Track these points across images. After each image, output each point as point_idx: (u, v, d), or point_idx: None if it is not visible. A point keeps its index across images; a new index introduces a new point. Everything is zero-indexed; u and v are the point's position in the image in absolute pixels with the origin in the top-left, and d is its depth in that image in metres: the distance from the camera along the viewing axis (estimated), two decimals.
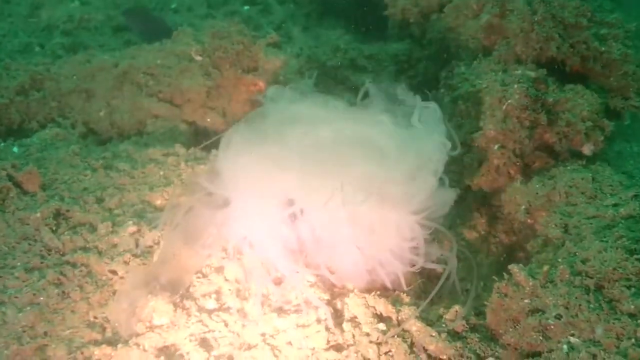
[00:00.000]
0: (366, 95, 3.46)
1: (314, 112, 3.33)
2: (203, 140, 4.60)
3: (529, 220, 3.42)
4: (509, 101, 3.47)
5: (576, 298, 2.51)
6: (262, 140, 3.15)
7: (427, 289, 3.22)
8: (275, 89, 3.50)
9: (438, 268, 3.14)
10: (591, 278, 2.59)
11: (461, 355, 2.64)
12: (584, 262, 2.68)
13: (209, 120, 4.71)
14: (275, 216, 2.99)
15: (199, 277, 3.02)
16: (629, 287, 2.49)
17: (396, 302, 2.92)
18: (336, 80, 4.95)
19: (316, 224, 3.00)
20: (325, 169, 2.97)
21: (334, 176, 2.91)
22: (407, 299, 2.98)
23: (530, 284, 2.69)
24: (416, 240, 3.03)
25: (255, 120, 3.33)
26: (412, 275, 3.19)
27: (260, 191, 3.01)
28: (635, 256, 2.59)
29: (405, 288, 3.02)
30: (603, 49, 3.71)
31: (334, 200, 2.88)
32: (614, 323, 2.39)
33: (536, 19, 3.66)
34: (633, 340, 2.31)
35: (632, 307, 2.42)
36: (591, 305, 2.48)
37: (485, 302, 2.87)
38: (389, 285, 3.04)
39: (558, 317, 2.51)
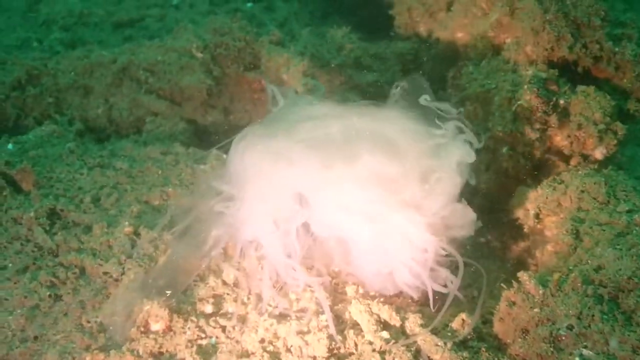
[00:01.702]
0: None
1: (329, 110, 3.26)
2: (203, 139, 4.54)
3: (538, 226, 3.33)
4: (519, 102, 3.37)
5: (589, 308, 2.41)
6: (273, 136, 3.07)
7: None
8: (292, 91, 3.46)
9: (442, 290, 2.91)
10: (605, 287, 2.50)
11: None
12: (596, 270, 2.59)
13: (210, 119, 4.62)
14: (281, 217, 2.89)
15: (196, 281, 2.92)
16: None
17: (400, 310, 2.81)
18: (340, 80, 4.84)
19: (320, 222, 2.89)
20: (332, 163, 2.88)
21: (342, 171, 2.83)
22: (412, 307, 2.88)
23: (540, 292, 2.60)
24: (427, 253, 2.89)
25: (271, 121, 3.28)
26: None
27: (267, 189, 2.92)
28: None
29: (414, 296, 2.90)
30: (617, 49, 3.61)
31: (341, 198, 2.80)
32: (629, 335, 2.29)
33: (548, 17, 3.55)
34: None
35: None
36: (605, 316, 2.38)
37: (492, 310, 2.78)
38: (407, 289, 2.90)
39: (570, 327, 2.41)
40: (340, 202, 2.83)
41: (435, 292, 2.88)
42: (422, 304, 3.02)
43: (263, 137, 3.06)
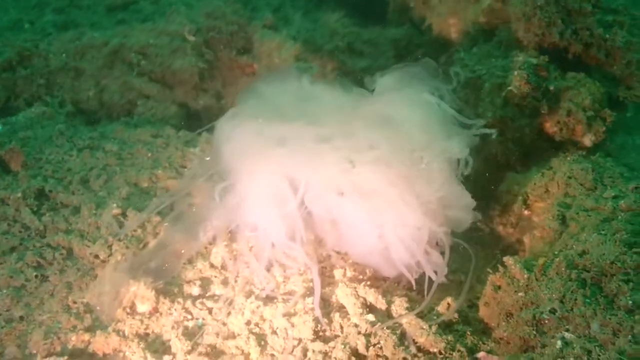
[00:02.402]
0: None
1: (321, 91, 3.26)
2: (195, 122, 4.51)
3: (526, 212, 3.34)
4: (509, 88, 3.37)
5: (572, 292, 2.42)
6: (266, 117, 3.06)
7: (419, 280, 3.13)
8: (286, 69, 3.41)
9: (433, 275, 2.90)
10: (588, 272, 2.50)
11: (452, 349, 2.55)
12: (581, 255, 2.59)
13: (201, 102, 4.60)
14: (277, 196, 2.88)
15: (184, 263, 2.93)
16: (627, 282, 2.39)
17: (387, 294, 2.82)
18: (333, 65, 4.82)
19: (314, 200, 2.89)
20: (327, 139, 2.89)
21: (339, 149, 2.83)
22: (399, 290, 2.89)
23: (525, 276, 2.61)
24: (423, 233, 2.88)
25: (258, 100, 3.24)
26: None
27: (260, 168, 2.90)
28: (635, 249, 2.49)
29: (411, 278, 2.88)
30: (607, 36, 3.59)
31: (338, 176, 2.80)
32: (610, 319, 2.29)
33: (539, 3, 3.54)
34: (630, 337, 2.21)
35: (630, 302, 2.32)
36: (587, 300, 2.38)
37: (478, 295, 2.79)
38: (401, 268, 2.88)
39: (553, 311, 2.42)
40: (334, 179, 2.83)
41: (422, 275, 2.90)
42: (409, 287, 3.03)
43: (253, 117, 3.04)
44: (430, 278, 2.90)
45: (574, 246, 2.72)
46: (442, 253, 2.88)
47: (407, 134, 3.00)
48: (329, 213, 2.90)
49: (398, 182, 2.86)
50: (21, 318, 2.72)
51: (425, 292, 2.77)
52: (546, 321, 2.42)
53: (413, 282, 2.86)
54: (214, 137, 3.14)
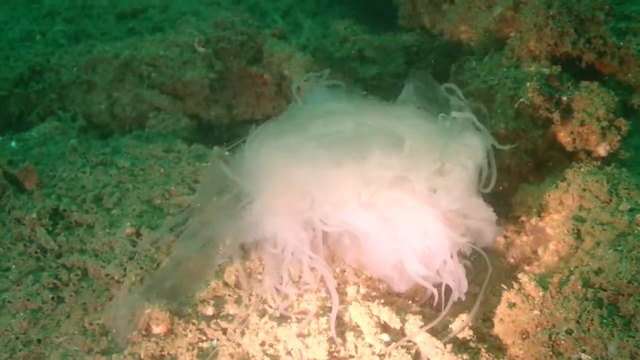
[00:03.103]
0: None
1: (342, 107, 3.26)
2: (206, 133, 4.53)
3: (540, 224, 3.31)
4: (521, 99, 3.34)
5: (588, 312, 2.41)
6: (285, 134, 3.08)
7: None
8: (308, 87, 3.47)
9: (450, 284, 2.88)
10: (605, 291, 2.49)
11: None
12: (597, 273, 2.58)
13: (213, 113, 4.61)
14: (296, 215, 2.89)
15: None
16: None
17: (401, 311, 2.81)
18: (344, 73, 4.80)
19: (331, 219, 2.88)
20: (343, 160, 2.87)
21: (352, 168, 2.82)
22: (413, 307, 2.88)
23: (540, 294, 2.60)
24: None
25: (285, 118, 3.28)
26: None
27: (280, 187, 2.91)
28: None
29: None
30: (621, 44, 3.55)
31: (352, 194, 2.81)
32: (627, 340, 2.29)
33: (551, 13, 3.50)
34: None
35: None
36: (604, 321, 2.38)
37: (493, 309, 2.77)
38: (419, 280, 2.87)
39: (569, 332, 2.41)
40: (350, 200, 2.83)
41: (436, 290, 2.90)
42: (423, 304, 3.03)
43: (275, 135, 3.06)
44: (445, 293, 2.92)
45: (589, 263, 2.70)
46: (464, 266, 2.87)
47: (422, 149, 2.99)
48: (346, 226, 2.89)
49: (415, 196, 2.85)
50: (39, 341, 2.74)
51: (443, 306, 2.76)
52: (562, 342, 2.41)
53: (435, 292, 2.83)
54: (242, 153, 3.14)
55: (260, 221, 2.90)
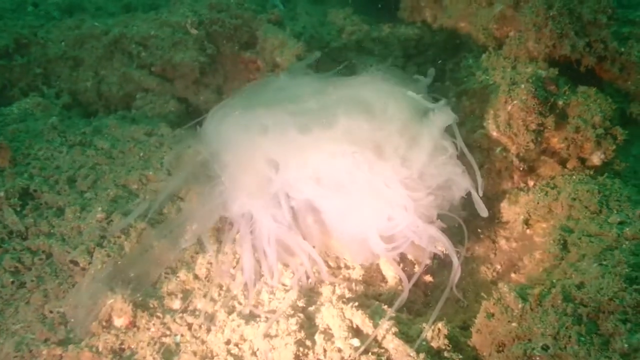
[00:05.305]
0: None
1: (306, 81, 3.30)
2: (194, 118, 4.40)
3: (527, 231, 3.21)
4: (514, 102, 3.22)
5: (566, 328, 2.31)
6: (249, 106, 3.07)
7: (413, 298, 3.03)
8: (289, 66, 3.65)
9: (438, 250, 2.97)
10: (585, 307, 2.39)
11: None
12: (578, 287, 2.47)
13: (202, 98, 4.47)
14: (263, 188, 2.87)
15: (167, 274, 2.83)
16: (624, 322, 2.29)
17: (375, 315, 2.71)
18: (339, 63, 4.66)
19: (296, 189, 2.87)
20: (309, 128, 2.87)
21: (319, 135, 2.81)
22: (387, 311, 2.78)
23: (520, 306, 2.50)
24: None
25: (247, 93, 3.35)
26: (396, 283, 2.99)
27: (246, 159, 2.91)
28: (635, 286, 2.37)
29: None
30: (622, 49, 3.44)
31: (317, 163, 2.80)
32: None
33: (551, 13, 3.37)
34: None
35: (626, 345, 2.21)
36: (582, 338, 2.28)
37: (474, 318, 2.67)
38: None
39: (545, 348, 2.31)
40: (315, 168, 2.82)
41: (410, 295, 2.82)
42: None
43: (238, 108, 3.07)
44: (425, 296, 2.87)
45: (572, 275, 2.61)
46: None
47: (387, 113, 3.02)
48: (311, 202, 2.88)
49: (382, 161, 2.86)
50: None
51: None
52: (537, 358, 2.31)
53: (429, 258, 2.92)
54: (201, 135, 3.16)
55: (228, 200, 2.89)
